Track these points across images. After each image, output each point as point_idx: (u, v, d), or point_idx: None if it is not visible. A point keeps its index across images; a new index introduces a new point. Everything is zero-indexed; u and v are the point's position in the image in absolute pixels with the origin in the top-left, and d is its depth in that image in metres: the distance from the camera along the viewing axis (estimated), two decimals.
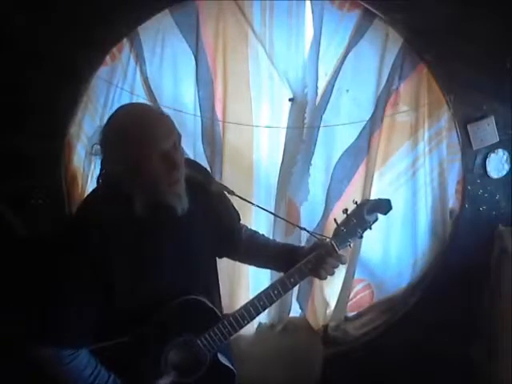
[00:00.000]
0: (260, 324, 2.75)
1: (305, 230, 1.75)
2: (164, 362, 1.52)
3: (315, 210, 2.68)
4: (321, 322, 2.77)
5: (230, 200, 1.76)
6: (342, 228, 1.61)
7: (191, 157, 2.58)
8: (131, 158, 1.37)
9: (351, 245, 1.64)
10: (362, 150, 2.60)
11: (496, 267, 2.51)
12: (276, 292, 1.56)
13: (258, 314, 1.57)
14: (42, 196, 2.46)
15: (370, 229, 1.65)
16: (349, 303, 2.80)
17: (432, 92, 2.53)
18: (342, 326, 2.76)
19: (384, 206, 1.63)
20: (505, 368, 2.27)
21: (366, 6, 2.42)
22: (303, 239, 2.65)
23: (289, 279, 1.57)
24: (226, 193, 1.71)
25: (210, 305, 1.56)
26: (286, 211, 2.62)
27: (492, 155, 2.56)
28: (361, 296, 2.82)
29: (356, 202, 1.62)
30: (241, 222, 1.84)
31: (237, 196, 1.69)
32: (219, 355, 1.59)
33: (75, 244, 1.43)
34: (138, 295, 1.47)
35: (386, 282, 2.78)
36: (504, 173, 2.58)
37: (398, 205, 2.68)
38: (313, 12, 2.47)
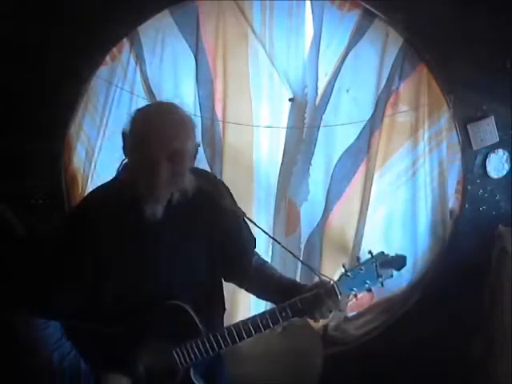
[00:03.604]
0: None
1: (310, 268, 1.77)
2: (134, 362, 1.49)
3: (315, 210, 2.68)
4: (321, 322, 2.77)
5: (247, 226, 1.68)
6: (349, 274, 1.50)
7: None
8: (130, 152, 1.43)
9: (356, 295, 1.53)
10: (362, 150, 2.60)
11: (496, 267, 2.51)
12: (264, 322, 1.49)
13: (240, 340, 1.50)
14: (41, 196, 2.46)
15: (382, 285, 1.55)
16: (349, 303, 2.79)
17: (432, 92, 2.53)
18: (341, 325, 2.76)
19: (399, 262, 1.56)
20: (505, 367, 2.27)
21: (366, 5, 2.43)
22: (303, 240, 2.65)
23: (280, 312, 1.49)
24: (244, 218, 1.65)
25: (195, 317, 1.50)
26: (286, 211, 2.62)
27: (492, 155, 2.56)
28: (361, 296, 2.81)
29: (371, 253, 1.53)
30: (254, 251, 1.73)
31: (247, 218, 1.64)
32: (192, 372, 1.52)
33: (73, 224, 1.49)
34: (124, 292, 1.46)
35: (386, 282, 2.77)
36: (504, 173, 2.58)
37: (398, 205, 2.68)
38: (313, 12, 2.48)
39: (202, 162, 2.56)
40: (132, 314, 1.46)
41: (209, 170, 2.55)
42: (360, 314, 2.83)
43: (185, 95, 2.56)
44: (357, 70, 2.55)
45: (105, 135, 2.52)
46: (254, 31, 2.47)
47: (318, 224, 2.68)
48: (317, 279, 1.64)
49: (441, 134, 2.58)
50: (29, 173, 2.44)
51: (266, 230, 1.73)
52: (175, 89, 2.56)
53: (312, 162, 2.62)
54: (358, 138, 2.60)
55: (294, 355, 2.60)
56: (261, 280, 1.67)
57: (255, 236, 1.72)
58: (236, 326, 1.50)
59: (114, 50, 2.46)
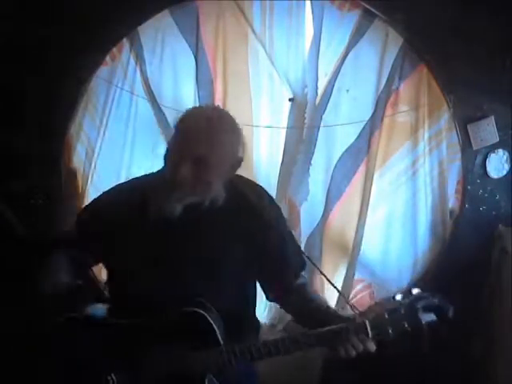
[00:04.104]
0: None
1: (337, 290, 1.58)
2: (147, 364, 1.45)
3: (315, 210, 2.68)
4: None
5: (295, 247, 1.63)
6: (385, 313, 1.36)
7: None
8: (168, 146, 1.45)
9: (390, 337, 1.38)
10: (362, 149, 2.60)
11: (496, 267, 2.51)
12: (284, 347, 1.39)
13: (258, 358, 1.40)
14: (41, 196, 2.46)
15: (421, 335, 1.40)
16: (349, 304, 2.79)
17: (432, 92, 2.53)
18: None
19: (443, 309, 1.37)
20: (505, 367, 2.27)
21: (366, 6, 2.43)
22: (303, 240, 2.65)
23: (303, 339, 1.39)
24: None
25: (214, 326, 1.42)
26: (286, 211, 2.62)
27: (492, 155, 2.56)
28: (361, 296, 2.81)
29: (410, 292, 1.38)
30: (300, 272, 1.63)
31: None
32: (207, 381, 1.43)
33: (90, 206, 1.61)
34: (136, 288, 1.46)
35: (386, 282, 2.77)
36: (504, 173, 2.58)
37: (398, 205, 2.68)
38: (313, 12, 2.48)
39: None
40: (146, 314, 1.43)
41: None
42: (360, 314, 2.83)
43: (185, 95, 2.56)
44: (357, 70, 2.55)
45: (105, 135, 2.52)
46: (254, 31, 2.47)
47: (317, 224, 2.67)
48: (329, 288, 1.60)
49: (441, 133, 2.58)
50: (29, 173, 2.44)
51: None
52: (175, 89, 2.56)
53: (312, 161, 2.62)
54: (357, 137, 2.60)
55: (294, 355, 2.60)
56: (299, 303, 1.58)
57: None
58: (255, 346, 1.40)
59: (114, 49, 2.46)
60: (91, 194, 2.47)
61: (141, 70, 2.50)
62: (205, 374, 1.41)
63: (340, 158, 2.63)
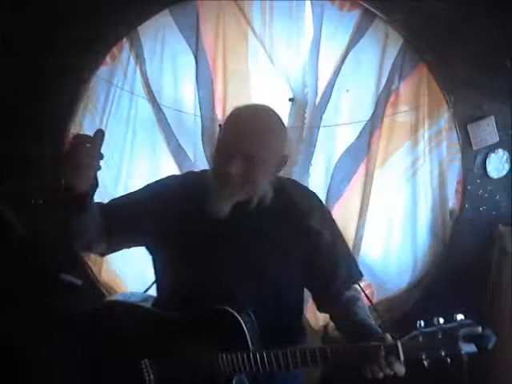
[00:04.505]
0: None
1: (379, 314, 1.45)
2: (175, 357, 1.44)
3: None
4: (321, 322, 2.77)
5: (347, 258, 1.57)
6: (421, 337, 1.26)
7: (191, 157, 2.59)
8: (216, 145, 1.44)
9: (425, 363, 1.28)
10: (362, 149, 2.60)
11: (496, 267, 2.51)
12: (311, 356, 1.33)
13: (285, 367, 1.33)
14: (41, 196, 2.46)
15: (461, 367, 1.34)
16: None
17: (432, 92, 2.53)
18: None
19: (486, 341, 1.26)
20: (505, 367, 2.27)
21: (366, 6, 2.43)
22: None
23: (332, 351, 1.32)
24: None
25: (244, 328, 1.38)
26: None
27: (492, 155, 2.56)
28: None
29: (453, 317, 1.28)
30: (352, 284, 1.57)
31: None
32: (234, 382, 1.40)
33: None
34: (177, 280, 1.47)
35: (386, 281, 2.77)
36: (504, 173, 2.58)
37: (398, 205, 2.68)
38: (313, 12, 2.48)
39: (202, 162, 2.57)
40: (186, 308, 1.42)
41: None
42: None
43: (185, 95, 2.56)
44: (357, 70, 2.55)
45: (105, 135, 2.51)
46: (254, 31, 2.47)
47: None
48: None
49: (441, 133, 2.58)
50: (29, 173, 2.44)
51: None
52: (175, 89, 2.56)
53: (312, 161, 2.62)
54: (358, 137, 2.60)
55: None
56: (344, 315, 1.53)
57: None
58: (283, 351, 1.35)
59: (114, 49, 2.46)
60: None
61: (141, 70, 2.50)
62: (232, 375, 1.38)
63: (340, 158, 2.63)
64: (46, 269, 2.53)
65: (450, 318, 1.25)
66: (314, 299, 1.61)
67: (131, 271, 2.63)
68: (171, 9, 2.44)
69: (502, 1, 2.38)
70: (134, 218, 1.48)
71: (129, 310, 1.53)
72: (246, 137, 1.37)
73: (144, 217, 1.47)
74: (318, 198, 1.61)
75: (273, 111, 1.47)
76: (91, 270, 2.59)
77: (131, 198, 1.56)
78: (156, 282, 1.60)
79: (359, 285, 1.55)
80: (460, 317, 1.26)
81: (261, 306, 1.43)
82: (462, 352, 1.23)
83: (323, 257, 1.50)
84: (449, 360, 1.23)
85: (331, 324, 2.75)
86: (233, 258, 1.45)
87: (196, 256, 1.46)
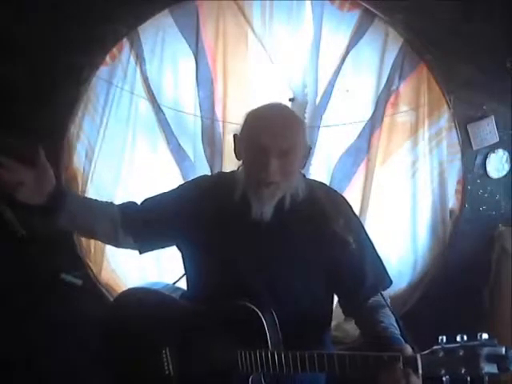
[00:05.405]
0: None
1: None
2: (196, 349, 1.47)
3: None
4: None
5: (375, 262, 1.54)
6: (442, 352, 1.21)
7: (191, 157, 2.59)
8: (244, 150, 1.47)
9: (444, 379, 1.21)
10: (362, 149, 2.60)
11: (496, 267, 2.51)
12: (329, 362, 1.32)
13: (302, 370, 1.33)
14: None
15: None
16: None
17: (432, 92, 2.53)
18: (342, 325, 2.75)
19: (508, 362, 1.18)
20: None
21: (366, 5, 2.43)
22: None
23: (350, 358, 1.30)
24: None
25: (265, 325, 1.38)
26: None
27: (492, 155, 2.56)
28: None
29: (476, 335, 1.21)
30: (379, 292, 1.54)
31: None
32: (251, 380, 1.41)
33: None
34: (209, 277, 1.50)
35: None
36: (504, 173, 2.58)
37: (397, 205, 2.68)
38: (313, 12, 2.48)
39: (202, 162, 2.57)
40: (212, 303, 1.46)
41: (208, 169, 2.55)
42: None
43: (185, 95, 2.56)
44: (357, 69, 2.55)
45: (105, 135, 2.52)
46: (254, 31, 2.47)
47: None
48: None
49: (441, 133, 2.58)
50: None
51: None
52: (175, 89, 2.56)
53: (312, 161, 2.62)
54: (358, 137, 2.60)
55: None
56: (367, 323, 1.51)
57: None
58: (301, 353, 1.34)
59: (114, 49, 2.46)
60: (91, 194, 2.47)
61: (141, 70, 2.50)
62: (250, 373, 1.39)
63: (340, 157, 2.63)
64: (46, 269, 2.53)
65: (472, 336, 1.20)
66: (340, 304, 1.61)
67: (131, 271, 2.63)
68: (171, 9, 2.43)
69: (501, 1, 2.39)
70: (167, 218, 1.54)
71: (156, 298, 1.58)
72: (279, 133, 1.41)
73: (177, 217, 1.53)
74: (347, 202, 1.61)
75: (286, 106, 1.55)
76: (91, 270, 2.58)
77: (165, 196, 1.61)
78: (186, 276, 1.63)
79: (381, 294, 1.53)
80: (484, 336, 1.20)
81: (285, 308, 1.44)
82: (483, 372, 1.18)
83: (349, 263, 1.50)
84: (468, 379, 1.18)
85: (331, 324, 2.75)
86: (267, 257, 1.48)
87: (232, 255, 1.48)
